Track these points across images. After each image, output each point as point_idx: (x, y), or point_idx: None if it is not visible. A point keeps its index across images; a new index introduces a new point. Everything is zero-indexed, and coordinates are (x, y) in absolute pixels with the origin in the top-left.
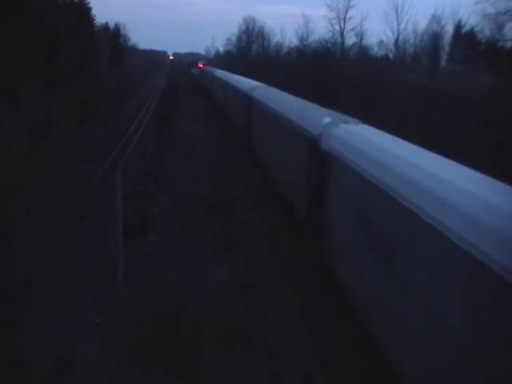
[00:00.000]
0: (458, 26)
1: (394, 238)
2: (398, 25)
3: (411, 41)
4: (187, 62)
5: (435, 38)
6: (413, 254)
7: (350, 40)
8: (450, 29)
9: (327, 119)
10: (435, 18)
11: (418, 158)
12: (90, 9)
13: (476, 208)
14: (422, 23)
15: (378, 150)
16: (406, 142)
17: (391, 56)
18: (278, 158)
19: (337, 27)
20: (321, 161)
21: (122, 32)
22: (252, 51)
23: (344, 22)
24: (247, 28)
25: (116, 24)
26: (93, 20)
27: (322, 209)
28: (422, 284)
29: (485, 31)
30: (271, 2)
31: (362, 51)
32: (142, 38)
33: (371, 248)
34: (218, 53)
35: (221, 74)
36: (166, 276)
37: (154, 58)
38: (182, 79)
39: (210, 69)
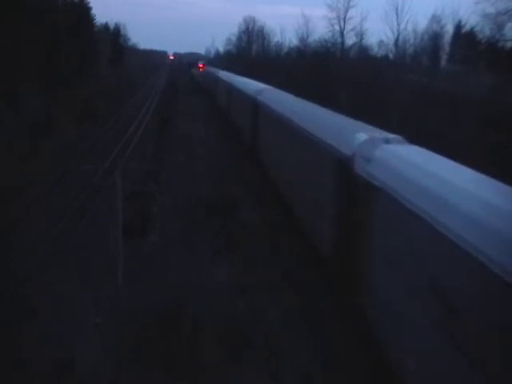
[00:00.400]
0: (458, 26)
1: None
2: (398, 25)
3: (411, 41)
4: (187, 61)
5: (435, 37)
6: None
7: (350, 40)
8: (450, 29)
9: (362, 136)
10: (435, 18)
11: (490, 194)
12: (90, 9)
13: None
14: (422, 23)
15: (439, 182)
16: (473, 171)
17: (391, 56)
18: (292, 177)
19: (337, 27)
20: (355, 189)
21: (122, 32)
22: (252, 51)
23: (344, 21)
24: (247, 28)
25: (116, 24)
26: (93, 20)
27: (357, 250)
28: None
29: (485, 31)
30: (271, 2)
31: (362, 51)
32: (141, 38)
33: (434, 313)
34: (218, 53)
35: (224, 75)
36: (166, 276)
37: (154, 58)
38: (182, 79)
39: (212, 69)
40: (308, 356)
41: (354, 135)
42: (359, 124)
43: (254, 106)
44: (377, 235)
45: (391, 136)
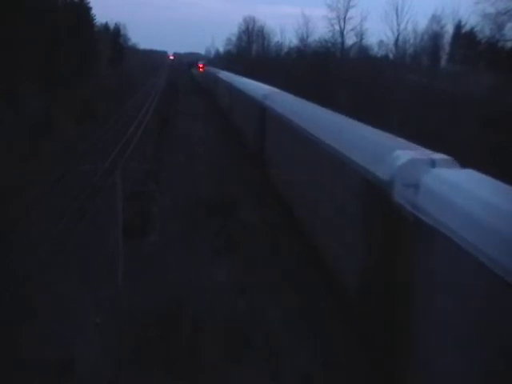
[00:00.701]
0: (458, 26)
1: None
2: (398, 25)
3: (411, 41)
4: (187, 61)
5: (435, 37)
6: None
7: (350, 40)
8: (450, 29)
9: (403, 156)
10: (435, 18)
11: None
12: (90, 9)
13: None
14: (422, 23)
15: None
16: None
17: (391, 56)
18: (310, 199)
19: (337, 27)
20: (394, 222)
21: (121, 32)
22: (252, 51)
23: (344, 22)
24: (247, 28)
25: (116, 24)
26: (93, 20)
27: (395, 301)
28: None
29: (485, 31)
30: (271, 2)
31: (362, 51)
32: (141, 38)
33: None
34: (218, 53)
35: (225, 76)
36: (166, 276)
37: (154, 58)
38: (182, 79)
39: (212, 69)
40: (308, 356)
41: (391, 155)
42: (394, 139)
43: (261, 111)
44: (425, 286)
45: (438, 157)
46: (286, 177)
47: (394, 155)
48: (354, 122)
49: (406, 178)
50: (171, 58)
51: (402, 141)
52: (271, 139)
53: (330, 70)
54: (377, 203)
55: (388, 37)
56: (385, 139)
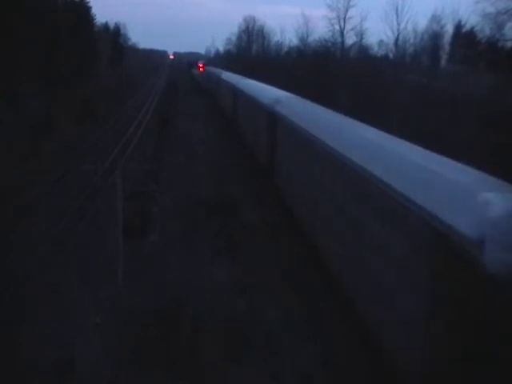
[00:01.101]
0: (458, 26)
1: None
2: (398, 24)
3: (411, 40)
4: (187, 61)
5: (435, 37)
6: None
7: (350, 40)
8: (449, 29)
9: (496, 201)
10: (435, 18)
11: None
12: (89, 8)
13: None
14: (422, 23)
15: None
16: None
17: (391, 56)
18: (340, 242)
19: (337, 27)
20: (490, 303)
21: (121, 32)
22: (252, 51)
23: (344, 21)
24: (247, 28)
25: (116, 24)
26: (93, 20)
27: None
28: None
29: (485, 31)
30: (271, 2)
31: (362, 51)
32: (141, 37)
33: None
34: (218, 52)
35: (229, 77)
36: (166, 276)
37: (154, 58)
38: (182, 79)
39: (213, 69)
40: (308, 356)
41: (475, 198)
42: (468, 171)
43: (270, 117)
44: None
45: None
46: (304, 198)
47: (482, 200)
48: (406, 144)
49: (508, 239)
50: (171, 57)
51: (480, 174)
52: (284, 151)
53: (329, 70)
54: (455, 269)
55: (388, 36)
56: (456, 171)
